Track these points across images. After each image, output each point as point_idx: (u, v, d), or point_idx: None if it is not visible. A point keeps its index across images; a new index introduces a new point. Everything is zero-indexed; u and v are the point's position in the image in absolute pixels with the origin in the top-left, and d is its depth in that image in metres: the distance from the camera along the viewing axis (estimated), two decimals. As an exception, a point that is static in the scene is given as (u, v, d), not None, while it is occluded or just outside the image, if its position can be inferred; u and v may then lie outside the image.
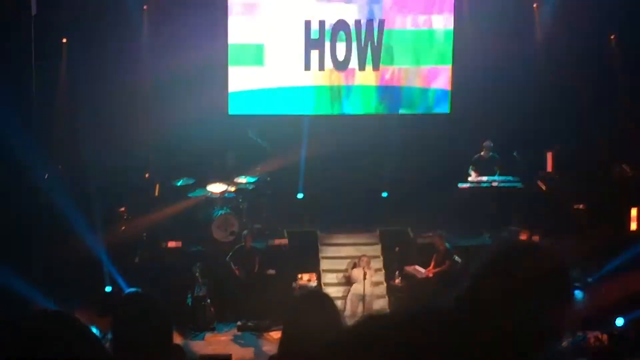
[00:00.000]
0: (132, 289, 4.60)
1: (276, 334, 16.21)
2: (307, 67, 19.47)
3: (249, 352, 15.84)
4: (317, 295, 4.26)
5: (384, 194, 19.53)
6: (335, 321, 3.85)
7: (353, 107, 19.97)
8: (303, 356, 3.72)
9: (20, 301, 14.40)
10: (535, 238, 16.41)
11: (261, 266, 17.20)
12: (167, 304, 4.07)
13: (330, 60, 19.50)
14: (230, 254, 17.08)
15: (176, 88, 18.86)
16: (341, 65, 19.55)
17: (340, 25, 19.39)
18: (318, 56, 19.48)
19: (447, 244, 17.12)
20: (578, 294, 16.35)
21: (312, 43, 19.43)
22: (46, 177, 16.86)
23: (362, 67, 19.61)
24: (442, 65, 19.85)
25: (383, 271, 17.70)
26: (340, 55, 19.50)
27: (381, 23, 19.49)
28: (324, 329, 3.75)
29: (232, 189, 18.25)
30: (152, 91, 19.00)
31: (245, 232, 17.37)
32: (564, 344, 15.14)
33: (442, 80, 19.89)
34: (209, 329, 16.75)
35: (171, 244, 17.79)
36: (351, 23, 19.41)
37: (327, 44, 19.45)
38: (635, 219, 18.15)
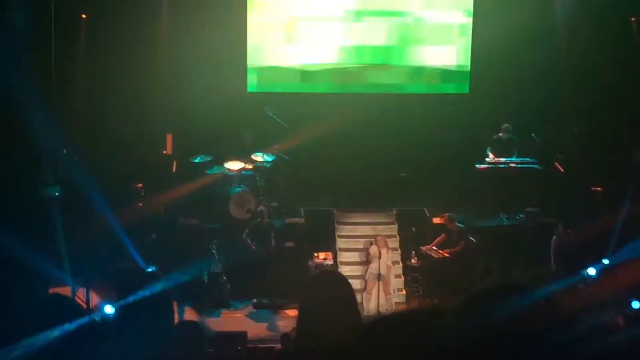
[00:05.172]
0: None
1: (291, 312, 16.25)
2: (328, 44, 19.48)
3: (264, 329, 15.88)
4: (331, 275, 4.24)
5: (402, 174, 19.49)
6: (349, 301, 3.85)
7: (371, 86, 19.93)
8: (318, 335, 3.73)
9: (38, 277, 14.45)
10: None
11: (277, 241, 17.25)
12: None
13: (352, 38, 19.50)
14: (247, 230, 17.11)
15: (195, 65, 18.86)
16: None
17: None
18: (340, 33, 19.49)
19: (459, 224, 17.09)
20: (593, 274, 16.32)
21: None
22: (64, 152, 16.89)
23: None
24: (461, 45, 19.79)
25: (399, 251, 17.70)
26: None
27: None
28: (338, 308, 3.77)
29: (250, 166, 18.26)
30: (171, 67, 18.98)
31: (261, 208, 17.41)
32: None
33: (461, 59, 19.81)
34: (225, 305, 16.80)
35: (188, 221, 17.85)
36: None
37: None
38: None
